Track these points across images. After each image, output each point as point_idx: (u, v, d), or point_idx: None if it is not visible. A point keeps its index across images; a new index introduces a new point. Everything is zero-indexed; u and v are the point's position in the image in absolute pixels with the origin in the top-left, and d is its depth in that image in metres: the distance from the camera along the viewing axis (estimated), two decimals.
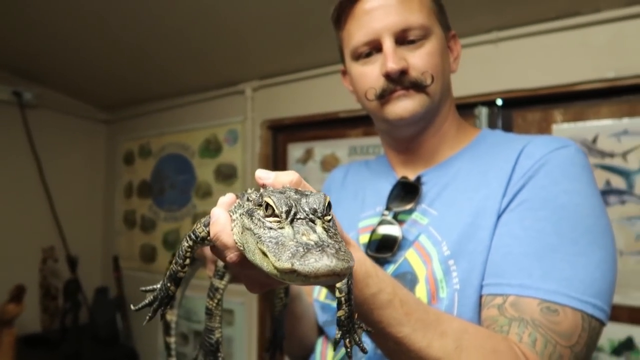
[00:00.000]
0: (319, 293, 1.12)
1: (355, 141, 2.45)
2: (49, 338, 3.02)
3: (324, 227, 0.48)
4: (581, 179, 0.88)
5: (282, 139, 2.79)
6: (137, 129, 3.55)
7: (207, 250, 0.87)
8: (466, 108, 2.02)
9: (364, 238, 1.05)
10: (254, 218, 0.51)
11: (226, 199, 0.64)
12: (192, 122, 3.15)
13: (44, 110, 3.30)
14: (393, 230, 0.99)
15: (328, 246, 0.43)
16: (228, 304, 2.82)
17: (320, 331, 1.12)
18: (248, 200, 0.57)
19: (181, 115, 3.23)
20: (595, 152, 1.76)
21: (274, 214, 0.49)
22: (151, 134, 3.44)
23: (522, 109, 1.96)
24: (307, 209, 0.49)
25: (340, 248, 0.44)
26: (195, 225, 0.63)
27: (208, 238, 0.61)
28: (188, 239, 0.63)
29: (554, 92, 1.84)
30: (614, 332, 1.69)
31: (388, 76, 0.97)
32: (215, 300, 0.77)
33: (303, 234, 0.46)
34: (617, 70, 1.69)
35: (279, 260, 0.43)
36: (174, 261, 0.65)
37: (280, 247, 0.44)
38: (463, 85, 2.00)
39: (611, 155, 1.73)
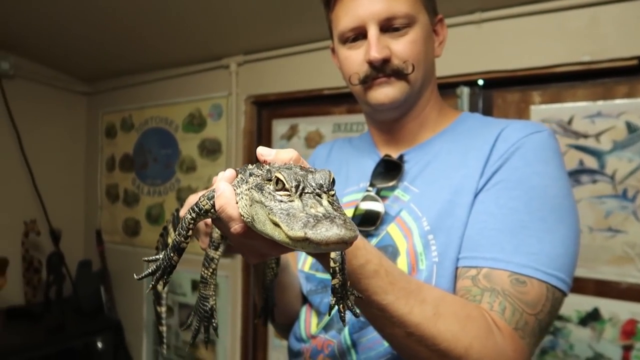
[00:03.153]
0: (304, 264, 1.18)
1: (339, 118, 2.48)
2: (32, 310, 3.03)
3: (329, 201, 0.53)
4: (551, 162, 0.95)
5: (266, 115, 2.80)
6: (118, 102, 3.51)
7: (200, 224, 0.91)
8: (448, 88, 2.07)
9: (348, 212, 1.10)
10: (264, 192, 0.55)
11: (227, 174, 0.68)
12: (176, 96, 3.13)
13: (22, 81, 3.23)
14: (376, 205, 1.04)
15: (336, 217, 0.48)
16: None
17: (305, 300, 1.18)
18: (251, 175, 0.62)
19: (164, 89, 3.20)
20: (570, 132, 1.83)
21: (284, 188, 0.54)
22: (133, 107, 3.40)
23: (502, 90, 2.01)
24: (314, 184, 0.54)
25: (346, 219, 0.48)
26: (198, 199, 0.67)
27: (212, 210, 0.65)
28: (191, 211, 0.67)
29: (533, 74, 1.90)
30: (581, 304, 1.79)
31: (371, 64, 1.01)
32: (211, 270, 0.81)
33: (311, 207, 0.50)
34: (592, 54, 1.75)
35: (291, 229, 0.47)
36: (177, 232, 0.68)
37: (292, 218, 0.49)
38: (446, 66, 2.04)
39: (585, 136, 1.80)
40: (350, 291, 0.71)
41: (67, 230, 3.40)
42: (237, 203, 0.62)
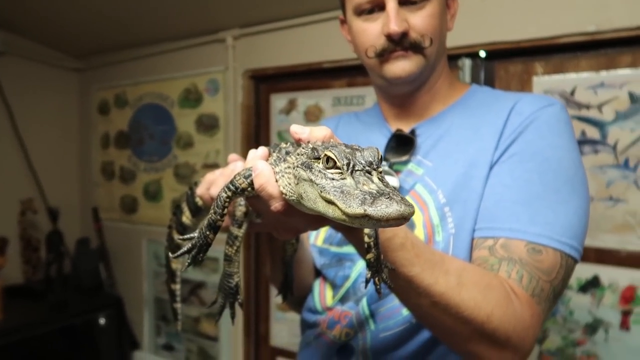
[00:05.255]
0: (316, 238, 1.19)
1: (339, 92, 2.46)
2: (32, 288, 3.05)
3: (379, 178, 0.53)
4: (564, 135, 0.97)
5: (264, 89, 2.78)
6: (111, 78, 3.45)
7: None
8: (450, 60, 2.04)
9: None
10: (313, 170, 0.55)
11: (259, 152, 0.68)
12: (171, 72, 3.08)
13: (13, 58, 3.16)
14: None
15: (392, 194, 0.48)
16: (213, 252, 2.88)
17: (318, 273, 1.20)
18: (287, 153, 0.62)
19: (158, 64, 3.15)
20: (572, 103, 1.83)
21: (335, 166, 0.54)
22: (127, 83, 3.35)
23: (505, 61, 2.01)
24: (363, 161, 0.54)
25: (402, 196, 0.49)
26: (234, 177, 0.67)
27: (249, 189, 0.66)
28: (227, 190, 0.67)
29: (536, 45, 1.89)
30: (581, 272, 1.83)
31: (389, 37, 1.00)
32: (235, 248, 0.82)
33: (364, 184, 0.51)
34: (597, 24, 1.74)
35: (349, 207, 0.48)
36: (212, 211, 0.68)
37: (347, 196, 0.49)
38: (447, 37, 2.02)
39: (587, 107, 1.81)
40: (384, 264, 0.72)
41: (63, 208, 3.38)
42: (276, 181, 0.62)
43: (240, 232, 0.83)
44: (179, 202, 1.07)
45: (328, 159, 0.55)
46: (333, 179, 0.53)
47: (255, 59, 2.69)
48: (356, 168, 0.53)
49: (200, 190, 0.95)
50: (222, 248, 0.83)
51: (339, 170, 0.54)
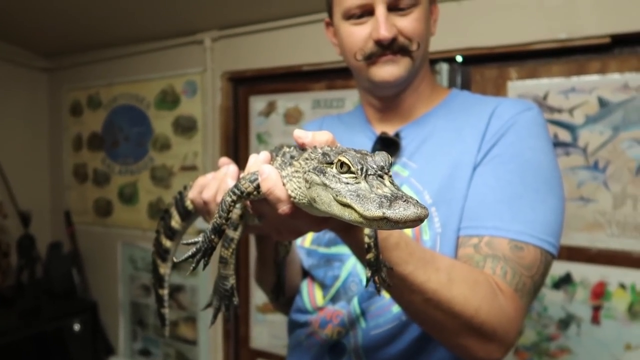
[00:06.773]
0: (304, 240, 1.20)
1: (319, 94, 2.48)
2: (2, 295, 2.96)
3: (390, 182, 0.55)
4: (542, 137, 1.03)
5: (243, 92, 2.77)
6: (83, 79, 3.38)
7: (212, 206, 0.91)
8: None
9: None
10: (327, 174, 0.57)
11: (262, 157, 0.69)
12: (147, 73, 3.04)
13: None
14: None
15: (407, 197, 0.50)
16: None
17: (305, 274, 1.21)
18: (292, 157, 0.64)
19: (134, 65, 3.10)
20: (545, 107, 1.91)
21: (349, 171, 0.56)
22: (100, 84, 3.29)
23: (480, 66, 2.07)
24: (375, 166, 0.56)
25: (415, 199, 0.51)
26: (239, 182, 0.69)
27: (254, 193, 0.67)
28: (232, 194, 0.68)
29: (510, 51, 1.96)
30: (554, 269, 1.90)
31: (379, 42, 1.03)
32: (230, 250, 0.82)
33: (378, 187, 0.53)
34: (568, 32, 1.82)
35: (367, 210, 0.49)
36: (217, 215, 0.69)
37: (364, 199, 0.51)
38: None
39: (559, 110, 1.89)
40: (383, 263, 0.75)
41: (35, 212, 3.29)
42: (284, 185, 0.64)
43: (236, 235, 0.84)
44: (167, 207, 1.06)
45: (342, 164, 0.57)
46: (347, 183, 0.55)
47: (234, 60, 2.69)
48: (369, 172, 0.55)
49: (192, 194, 0.94)
50: None
51: (353, 175, 0.56)
